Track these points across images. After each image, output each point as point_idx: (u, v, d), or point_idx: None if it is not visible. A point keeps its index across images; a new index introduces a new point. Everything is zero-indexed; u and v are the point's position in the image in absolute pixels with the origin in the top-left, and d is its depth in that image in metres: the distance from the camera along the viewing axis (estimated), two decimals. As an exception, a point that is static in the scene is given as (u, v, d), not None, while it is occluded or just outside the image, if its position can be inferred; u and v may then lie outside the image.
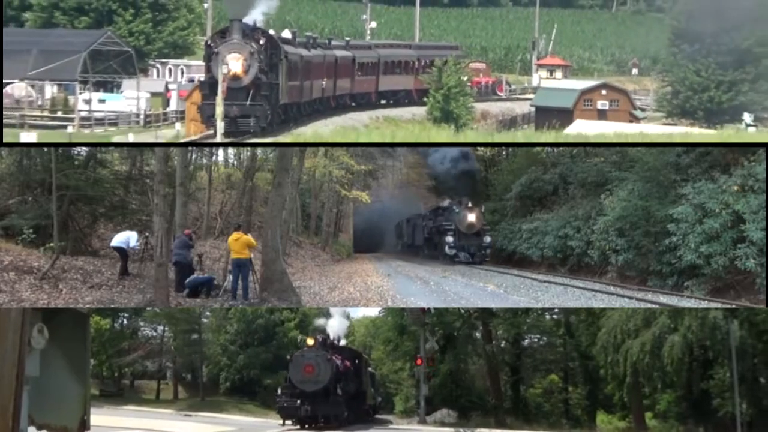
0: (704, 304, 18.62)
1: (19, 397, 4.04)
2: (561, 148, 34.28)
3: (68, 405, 4.75)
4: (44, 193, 21.00)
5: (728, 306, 18.36)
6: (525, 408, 35.70)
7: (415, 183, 58.90)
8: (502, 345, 36.96)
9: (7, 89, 25.43)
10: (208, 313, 43.37)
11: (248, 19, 24.43)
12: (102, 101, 26.36)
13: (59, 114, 25.82)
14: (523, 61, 39.88)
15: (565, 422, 34.26)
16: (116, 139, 24.14)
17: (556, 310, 34.21)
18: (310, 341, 21.04)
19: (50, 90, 26.40)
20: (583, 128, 27.57)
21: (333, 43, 31.21)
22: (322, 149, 34.11)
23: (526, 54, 39.37)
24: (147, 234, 20.77)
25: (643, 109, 32.69)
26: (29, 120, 25.12)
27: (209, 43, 24.18)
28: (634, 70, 40.91)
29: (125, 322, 46.88)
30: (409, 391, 37.39)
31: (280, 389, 20.96)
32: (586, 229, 26.14)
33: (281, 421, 21.31)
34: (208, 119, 23.65)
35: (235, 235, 17.39)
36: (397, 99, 34.10)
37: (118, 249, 19.36)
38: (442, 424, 28.72)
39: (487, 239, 35.18)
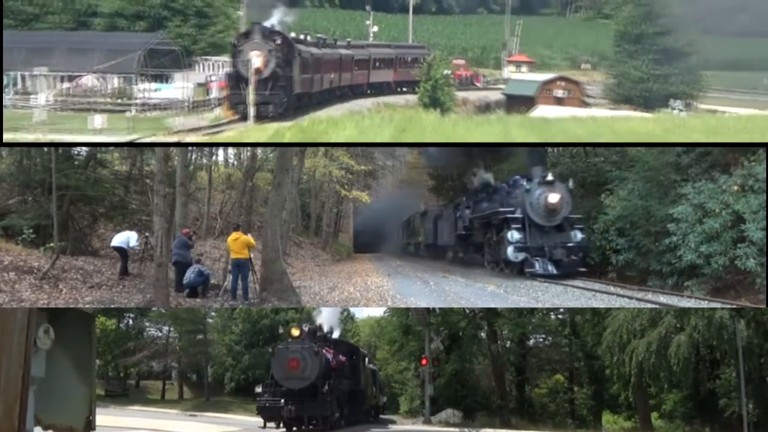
0: (704, 304, 18.61)
1: (25, 398, 4.04)
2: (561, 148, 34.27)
3: (74, 405, 4.74)
4: (44, 193, 21.01)
5: (728, 306, 18.35)
6: (530, 408, 35.47)
7: (415, 183, 59.06)
8: (507, 345, 36.55)
9: (80, 80, 30.92)
10: (213, 314, 43.49)
11: (267, 23, 28.93)
12: (156, 90, 31.18)
13: (121, 101, 30.58)
14: (495, 58, 47.59)
15: (570, 422, 33.92)
16: (168, 121, 27.84)
17: (561, 310, 33.96)
18: (295, 332, 18.21)
19: (114, 81, 31.50)
20: (544, 112, 32.21)
21: (338, 43, 35.74)
22: (322, 149, 34.16)
23: (498, 52, 47.09)
24: (147, 234, 20.78)
25: (592, 97, 38.40)
26: (97, 106, 29.46)
27: (234, 42, 28.50)
28: (586, 66, 48.31)
29: (131, 322, 46.99)
30: (414, 391, 37.21)
31: (261, 387, 18.49)
32: (586, 229, 26.13)
33: (262, 423, 18.58)
34: (235, 106, 27.87)
35: (234, 235, 17.42)
36: (381, 89, 38.83)
37: (118, 249, 19.38)
38: (447, 424, 28.54)
39: (578, 235, 23.25)
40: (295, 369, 17.32)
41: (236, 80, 27.61)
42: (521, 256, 22.94)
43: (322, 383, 17.54)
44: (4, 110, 27.09)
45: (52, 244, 18.78)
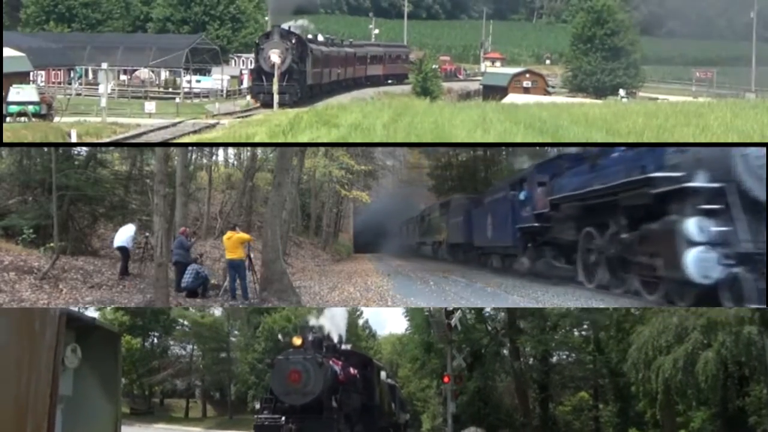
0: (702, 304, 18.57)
1: (53, 417, 4.06)
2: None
3: (100, 423, 4.78)
4: (44, 193, 20.95)
5: (727, 307, 18.32)
6: (554, 426, 34.59)
7: (415, 183, 59.19)
8: (531, 362, 35.52)
9: (136, 73, 38.49)
10: (236, 332, 43.67)
11: (285, 26, 34.79)
12: (198, 81, 38.32)
13: (170, 90, 37.87)
14: (474, 55, 57.72)
15: (595, 440, 33.21)
16: (208, 106, 33.53)
17: (585, 326, 33.76)
18: (297, 340, 15.95)
19: (164, 74, 39.05)
20: (514, 99, 36.54)
21: (343, 42, 42.75)
22: (322, 149, 34.18)
23: (476, 50, 57.39)
24: (147, 234, 20.76)
25: (553, 87, 45.60)
26: (150, 94, 36.04)
27: (257, 41, 34.22)
28: (548, 61, 57.89)
29: (155, 341, 47.28)
30: (437, 409, 36.59)
31: (259, 403, 16.74)
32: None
33: None
34: (256, 95, 33.36)
35: (228, 234, 17.45)
36: (372, 81, 45.20)
37: (121, 249, 19.33)
38: (470, 442, 28.37)
39: None
40: (296, 382, 15.02)
41: (258, 73, 33.10)
42: (721, 272, 11.78)
43: (328, 398, 15.35)
44: (73, 97, 34.47)
45: (52, 244, 18.74)
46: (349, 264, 36.70)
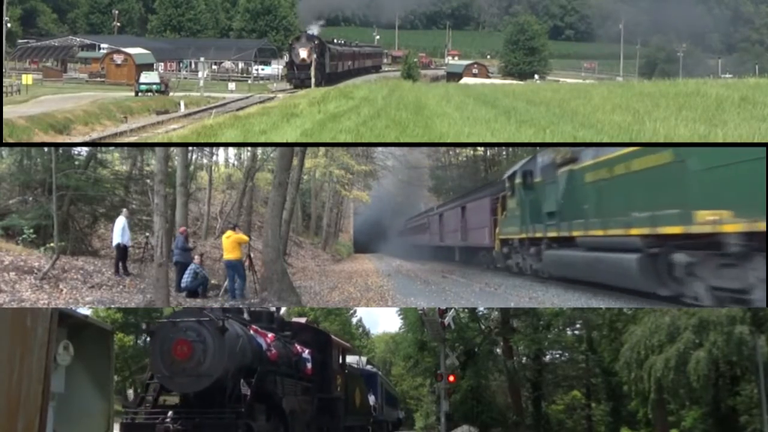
0: (706, 305, 18.53)
1: (45, 413, 4.06)
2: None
3: (92, 420, 4.77)
4: (44, 193, 20.96)
5: (726, 307, 18.31)
6: (547, 424, 34.72)
7: (415, 183, 59.34)
8: (523, 361, 35.75)
9: (223, 64, 55.71)
10: None
11: (309, 31, 50.60)
12: (263, 69, 55.59)
13: (244, 75, 54.38)
14: (441, 53, 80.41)
15: (587, 438, 33.32)
16: (269, 86, 48.34)
17: (578, 325, 33.92)
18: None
19: (241, 65, 56.34)
20: (467, 81, 50.90)
21: (352, 44, 61.08)
22: (322, 148, 34.18)
23: (443, 49, 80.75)
24: (147, 234, 20.74)
25: (492, 73, 62.83)
26: (232, 78, 51.37)
27: (291, 42, 49.22)
28: (488, 56, 77.13)
29: (148, 339, 47.06)
30: (430, 407, 36.93)
31: (133, 392, 11.76)
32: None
33: None
34: (289, 80, 47.54)
35: (227, 233, 17.51)
36: (366, 70, 62.20)
37: (116, 246, 19.25)
38: (463, 440, 28.35)
39: None
40: (184, 359, 9.74)
41: (291, 65, 47.49)
42: None
43: (236, 383, 10.06)
44: (181, 80, 49.36)
45: (52, 244, 18.75)
46: (349, 264, 36.71)
